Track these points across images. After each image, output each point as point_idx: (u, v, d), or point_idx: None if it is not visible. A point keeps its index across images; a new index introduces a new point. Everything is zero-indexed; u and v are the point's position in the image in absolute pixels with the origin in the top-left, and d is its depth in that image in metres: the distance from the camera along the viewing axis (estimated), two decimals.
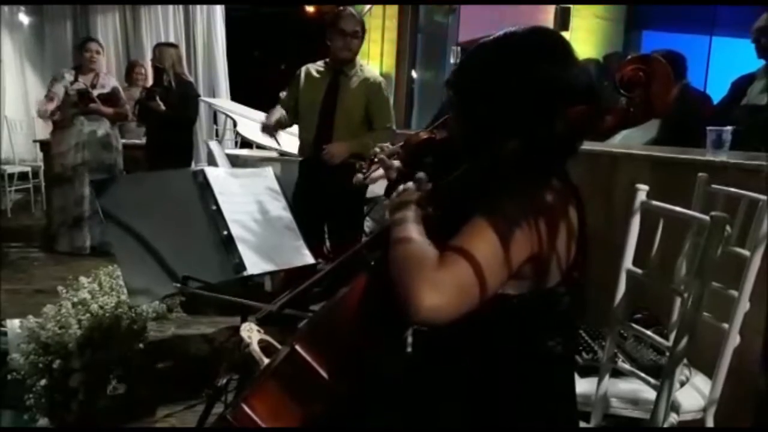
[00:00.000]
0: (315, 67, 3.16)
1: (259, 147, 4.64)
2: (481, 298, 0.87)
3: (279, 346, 1.31)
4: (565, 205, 0.97)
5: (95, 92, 4.50)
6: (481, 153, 1.00)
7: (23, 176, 6.38)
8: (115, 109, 4.60)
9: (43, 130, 6.53)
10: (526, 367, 1.00)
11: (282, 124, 3.21)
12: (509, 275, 0.91)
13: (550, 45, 1.00)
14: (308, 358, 1.03)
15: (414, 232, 0.95)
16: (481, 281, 0.85)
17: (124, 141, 5.64)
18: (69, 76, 4.48)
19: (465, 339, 1.02)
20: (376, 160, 2.09)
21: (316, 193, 3.09)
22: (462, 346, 1.02)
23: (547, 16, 4.66)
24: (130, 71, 6.11)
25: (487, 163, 1.01)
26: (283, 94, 3.25)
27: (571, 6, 4.75)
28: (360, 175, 1.38)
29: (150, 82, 5.56)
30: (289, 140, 4.37)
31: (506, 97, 0.96)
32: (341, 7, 3.06)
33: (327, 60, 3.11)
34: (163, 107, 4.42)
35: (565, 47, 0.99)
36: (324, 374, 1.02)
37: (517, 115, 0.95)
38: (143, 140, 5.00)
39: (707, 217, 1.37)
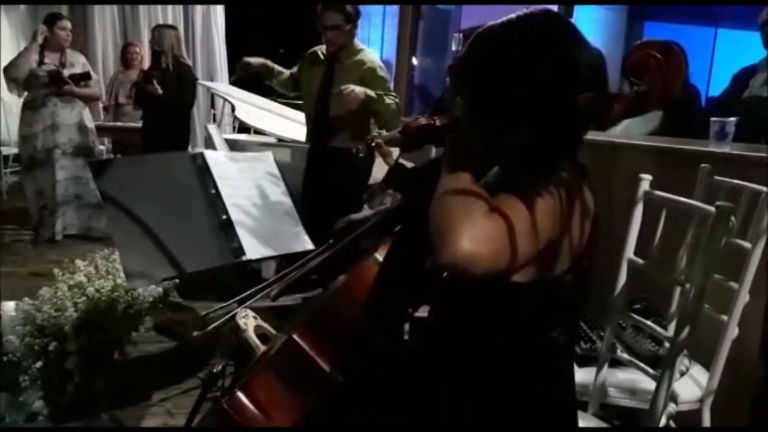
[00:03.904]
0: (318, 52, 3.16)
1: (257, 132, 4.61)
2: (509, 265, 0.85)
3: (275, 333, 1.30)
4: (581, 188, 0.96)
5: (66, 71, 4.30)
6: (491, 138, 0.98)
7: (18, 158, 6.32)
8: (89, 90, 4.44)
9: None
10: (528, 356, 0.99)
11: (267, 70, 3.19)
12: (535, 253, 0.88)
13: (561, 28, 0.98)
14: (305, 347, 1.02)
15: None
16: (515, 248, 0.84)
17: (119, 124, 5.61)
18: (36, 55, 4.22)
19: (466, 327, 1.02)
20: (373, 144, 2.07)
21: (317, 180, 3.11)
22: (463, 335, 1.02)
23: (550, 7, 4.62)
24: (125, 53, 6.05)
25: (496, 148, 0.99)
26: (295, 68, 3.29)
27: None
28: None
29: (146, 64, 5.51)
30: (288, 126, 4.35)
31: (516, 82, 0.94)
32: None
33: None
34: (160, 91, 4.37)
35: (576, 31, 0.97)
36: (321, 363, 1.01)
37: (527, 100, 0.94)
38: (139, 123, 4.95)
39: (711, 208, 1.36)
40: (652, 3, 5.63)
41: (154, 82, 4.37)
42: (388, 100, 3.00)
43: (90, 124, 4.53)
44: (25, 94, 4.38)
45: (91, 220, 4.48)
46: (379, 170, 3.13)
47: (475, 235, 0.81)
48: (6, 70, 4.26)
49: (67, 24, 4.43)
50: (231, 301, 1.37)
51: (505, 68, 0.95)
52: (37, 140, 4.30)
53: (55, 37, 4.32)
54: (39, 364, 2.05)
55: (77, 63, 4.48)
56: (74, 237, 4.44)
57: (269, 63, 3.22)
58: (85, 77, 4.42)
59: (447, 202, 0.87)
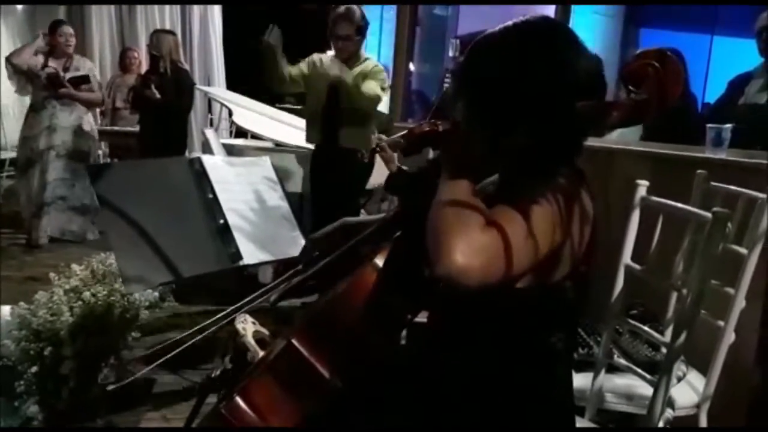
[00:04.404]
0: (325, 59, 3.20)
1: (255, 137, 4.61)
2: (504, 278, 0.86)
3: (274, 339, 1.30)
4: (580, 193, 0.96)
5: (68, 75, 4.37)
6: (491, 145, 0.99)
7: (14, 162, 6.30)
8: (88, 94, 4.47)
9: None
10: (527, 361, 0.99)
11: (276, 50, 3.08)
12: (533, 264, 0.89)
13: (560, 35, 0.99)
14: (304, 352, 1.02)
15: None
16: (510, 261, 0.85)
17: (116, 128, 5.60)
18: (41, 59, 4.33)
19: (465, 332, 1.02)
20: (377, 149, 2.08)
21: (321, 182, 3.17)
22: (462, 340, 1.02)
23: (548, 12, 4.65)
24: (123, 58, 6.06)
25: (496, 153, 0.99)
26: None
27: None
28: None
29: (144, 68, 5.51)
30: (285, 130, 4.35)
31: (515, 88, 0.95)
32: (339, 9, 3.07)
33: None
34: (158, 95, 4.37)
35: (574, 37, 0.98)
36: (320, 368, 1.01)
37: (526, 105, 0.94)
38: (137, 128, 4.95)
39: (708, 214, 1.37)
40: (648, 3, 5.65)
41: (152, 86, 4.38)
42: (365, 89, 2.97)
43: (89, 128, 4.55)
44: (29, 96, 4.45)
45: (70, 223, 4.48)
46: (377, 174, 3.16)
47: (469, 249, 0.82)
48: (8, 57, 4.35)
49: (68, 30, 4.48)
50: (229, 309, 1.37)
51: (504, 74, 0.96)
52: (33, 142, 4.35)
53: (58, 44, 4.40)
54: (34, 368, 2.03)
55: (83, 68, 4.53)
56: (56, 241, 4.44)
57: (282, 60, 3.08)
58: (83, 80, 4.44)
59: (443, 213, 0.88)
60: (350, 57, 3.12)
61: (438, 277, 0.84)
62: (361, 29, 3.10)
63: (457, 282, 0.82)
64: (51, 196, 4.37)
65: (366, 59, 3.20)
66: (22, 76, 4.34)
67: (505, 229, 0.85)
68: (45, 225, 4.38)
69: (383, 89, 3.15)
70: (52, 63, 4.36)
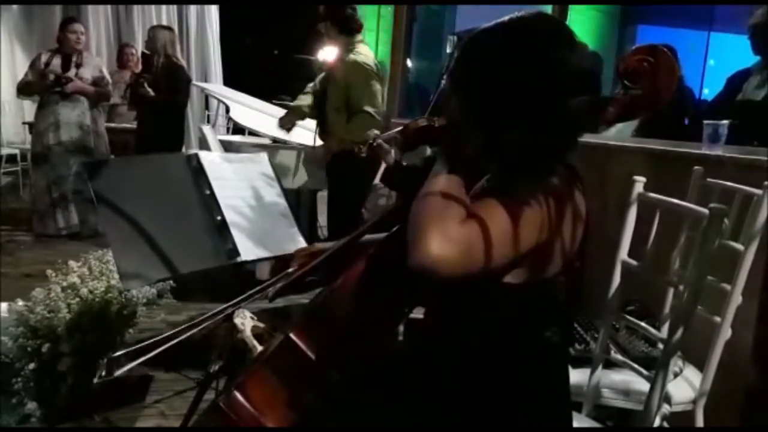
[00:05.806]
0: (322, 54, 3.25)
1: (252, 133, 4.60)
2: (482, 270, 0.86)
3: (272, 333, 1.30)
4: (572, 191, 0.96)
5: (78, 71, 4.42)
6: (485, 141, 0.99)
7: (11, 159, 6.29)
8: (96, 88, 4.51)
9: (32, 112, 6.46)
10: (521, 356, 1.00)
11: (301, 115, 3.31)
12: (514, 258, 0.89)
13: (554, 31, 0.98)
14: (303, 347, 1.02)
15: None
16: (489, 254, 0.85)
17: (113, 125, 5.59)
18: (45, 57, 4.42)
19: (460, 327, 1.02)
20: (374, 144, 2.08)
21: (330, 179, 3.23)
22: (457, 335, 1.02)
23: (545, 10, 4.65)
24: (121, 54, 6.05)
25: (491, 150, 0.99)
26: None
27: None
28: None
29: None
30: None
31: (511, 83, 0.94)
32: None
33: None
34: (152, 93, 4.37)
35: (569, 33, 0.98)
36: (318, 363, 1.01)
37: (519, 102, 0.94)
38: (134, 124, 4.94)
39: (705, 210, 1.37)
40: (645, 3, 5.66)
41: (145, 85, 4.37)
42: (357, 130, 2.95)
43: (94, 125, 4.57)
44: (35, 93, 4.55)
45: (88, 215, 4.52)
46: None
47: (443, 241, 0.82)
48: (20, 91, 4.58)
49: (76, 27, 4.50)
50: (227, 304, 1.37)
51: (497, 70, 0.96)
52: (43, 137, 4.43)
53: (67, 40, 4.42)
54: (32, 365, 2.04)
55: (90, 64, 4.54)
56: (68, 236, 4.47)
57: (296, 111, 3.29)
58: (94, 77, 4.49)
59: (424, 203, 0.89)
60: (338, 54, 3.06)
61: (411, 266, 0.84)
62: (343, 27, 3.01)
63: (428, 273, 0.82)
64: (68, 191, 4.43)
65: (355, 49, 3.07)
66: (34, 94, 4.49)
67: (485, 223, 0.85)
68: (59, 219, 4.44)
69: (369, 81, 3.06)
70: (59, 60, 4.39)
